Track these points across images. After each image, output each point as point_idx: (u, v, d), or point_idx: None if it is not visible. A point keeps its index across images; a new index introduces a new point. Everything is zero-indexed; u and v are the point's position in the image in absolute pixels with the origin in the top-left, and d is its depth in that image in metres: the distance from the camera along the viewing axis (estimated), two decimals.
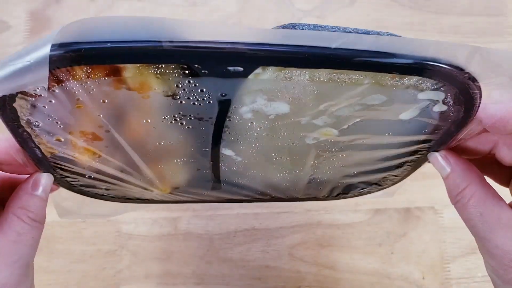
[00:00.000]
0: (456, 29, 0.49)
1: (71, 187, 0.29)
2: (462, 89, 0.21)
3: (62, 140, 0.24)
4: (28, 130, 0.23)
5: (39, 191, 0.25)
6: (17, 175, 0.27)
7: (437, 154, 0.26)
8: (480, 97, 0.21)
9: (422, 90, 0.22)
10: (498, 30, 0.49)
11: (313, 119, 0.24)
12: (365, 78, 0.21)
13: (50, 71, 0.19)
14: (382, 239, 0.46)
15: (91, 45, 0.19)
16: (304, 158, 0.29)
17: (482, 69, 0.20)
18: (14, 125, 0.22)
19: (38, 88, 0.20)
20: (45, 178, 0.26)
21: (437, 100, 0.23)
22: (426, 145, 0.27)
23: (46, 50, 0.18)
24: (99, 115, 0.23)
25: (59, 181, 0.28)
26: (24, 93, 0.21)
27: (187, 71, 0.20)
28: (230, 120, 0.24)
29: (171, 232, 0.46)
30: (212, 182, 0.31)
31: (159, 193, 0.32)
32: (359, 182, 0.33)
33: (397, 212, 0.46)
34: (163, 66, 0.20)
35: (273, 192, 0.33)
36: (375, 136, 0.26)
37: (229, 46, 0.19)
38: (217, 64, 0.20)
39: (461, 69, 0.20)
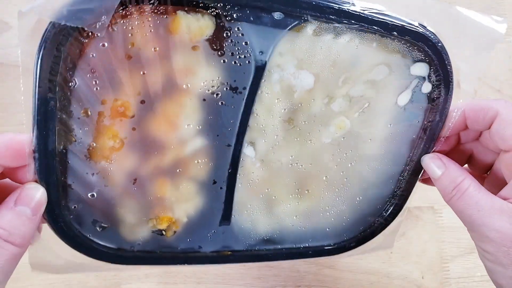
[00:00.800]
0: None
1: (60, 225, 0.25)
2: (440, 59, 0.26)
3: (90, 114, 0.23)
4: (58, 96, 0.21)
5: (25, 207, 0.20)
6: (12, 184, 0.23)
7: (429, 156, 0.29)
8: (451, 73, 0.27)
9: (413, 62, 0.27)
10: None
11: (330, 102, 0.28)
12: (373, 41, 0.26)
13: None
14: None
15: None
16: (318, 166, 0.30)
17: (451, 36, 0.26)
18: (47, 84, 0.21)
19: (99, 23, 0.20)
20: (40, 193, 0.21)
21: (424, 77, 0.28)
22: (418, 147, 0.29)
23: None
24: (143, 73, 0.23)
25: (50, 211, 0.24)
26: (81, 32, 0.20)
27: (240, 14, 0.23)
28: (261, 92, 0.26)
29: None
30: (222, 211, 0.29)
31: (156, 226, 0.28)
32: (362, 218, 0.32)
33: None
34: (221, 5, 0.23)
35: (279, 238, 0.32)
36: (378, 128, 0.29)
37: None
38: (265, 10, 0.24)
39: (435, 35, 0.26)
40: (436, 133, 0.28)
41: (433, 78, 0.27)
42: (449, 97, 0.27)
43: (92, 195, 0.26)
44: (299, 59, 0.26)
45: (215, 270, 0.45)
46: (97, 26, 0.20)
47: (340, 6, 0.24)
